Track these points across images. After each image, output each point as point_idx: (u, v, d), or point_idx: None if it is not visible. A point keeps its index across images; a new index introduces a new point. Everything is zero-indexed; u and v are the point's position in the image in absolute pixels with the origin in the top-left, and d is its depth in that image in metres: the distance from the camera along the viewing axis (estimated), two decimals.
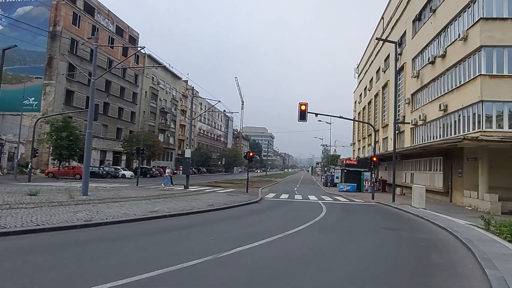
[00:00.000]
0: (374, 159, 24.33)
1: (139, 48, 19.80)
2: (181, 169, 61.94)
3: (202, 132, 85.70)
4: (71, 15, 41.04)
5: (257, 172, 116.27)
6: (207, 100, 69.78)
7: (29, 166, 28.83)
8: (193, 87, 38.33)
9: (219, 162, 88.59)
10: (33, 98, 38.90)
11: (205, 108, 78.85)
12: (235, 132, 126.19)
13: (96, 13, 46.15)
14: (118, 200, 14.64)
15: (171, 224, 10.47)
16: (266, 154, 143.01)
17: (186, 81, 73.37)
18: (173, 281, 5.20)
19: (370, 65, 47.55)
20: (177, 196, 18.75)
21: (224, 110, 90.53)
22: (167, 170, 28.80)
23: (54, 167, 35.73)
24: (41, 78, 39.02)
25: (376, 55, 43.35)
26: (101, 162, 46.54)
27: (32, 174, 28.64)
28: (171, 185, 26.53)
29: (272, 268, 6.10)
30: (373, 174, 26.84)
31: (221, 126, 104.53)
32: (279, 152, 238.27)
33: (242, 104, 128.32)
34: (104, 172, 38.35)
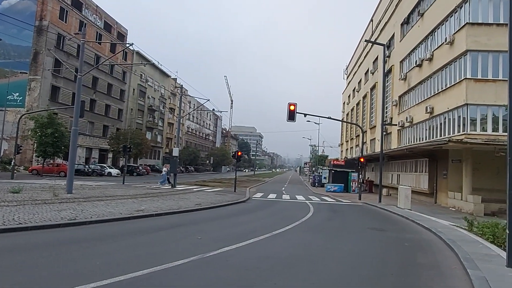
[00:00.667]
0: (362, 160, 24.58)
1: (127, 45, 19.56)
2: (169, 167, 61.71)
3: (190, 130, 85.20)
4: (58, 10, 40.25)
5: (245, 171, 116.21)
6: (196, 98, 69.48)
7: (12, 162, 28.10)
8: (182, 85, 37.93)
9: (207, 161, 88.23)
10: (17, 94, 38.03)
11: (194, 107, 78.40)
12: (224, 131, 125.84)
13: (84, 8, 45.36)
14: (103, 199, 14.41)
15: (157, 224, 10.35)
16: (254, 153, 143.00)
17: (175, 79, 72.82)
18: (158, 281, 5.14)
19: (359, 67, 48.03)
20: (164, 195, 18.57)
21: (213, 109, 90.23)
22: (164, 169, 28.25)
23: (38, 164, 34.99)
24: (26, 73, 38.19)
25: (365, 57, 43.81)
26: (87, 159, 45.80)
27: (15, 171, 27.95)
28: (167, 184, 26.39)
29: (259, 268, 6.08)
30: (360, 175, 27.11)
31: (209, 125, 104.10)
32: (267, 151, 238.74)
33: (231, 103, 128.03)
34: (90, 170, 37.74)
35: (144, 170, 48.48)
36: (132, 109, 57.57)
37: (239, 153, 27.03)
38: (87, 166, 38.89)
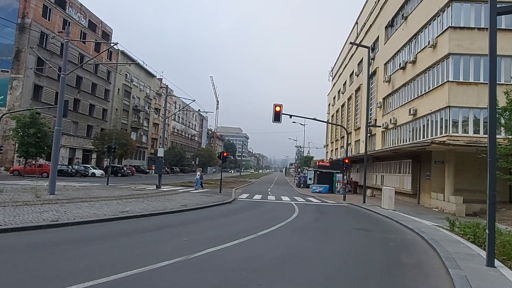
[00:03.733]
0: (346, 161, 24.87)
1: (112, 44, 19.21)
2: (154, 168, 61.02)
3: (176, 131, 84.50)
4: (41, 8, 39.37)
5: (231, 172, 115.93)
6: (181, 99, 68.91)
7: None
8: (167, 85, 37.53)
9: (193, 162, 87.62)
10: None
11: (179, 107, 77.78)
12: (210, 132, 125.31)
13: (67, 7, 44.46)
14: (87, 200, 14.14)
15: (142, 225, 10.22)
16: (240, 154, 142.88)
17: (160, 79, 72.17)
18: (142, 283, 5.07)
19: (344, 69, 48.59)
20: (149, 196, 18.35)
21: (199, 110, 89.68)
22: (197, 173, 27.80)
23: (19, 165, 34.08)
24: (8, 71, 37.18)
25: (350, 59, 44.36)
26: (70, 160, 44.86)
27: None
28: (201, 188, 26.27)
29: (244, 269, 6.07)
30: (345, 176, 27.42)
31: (195, 125, 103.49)
32: (253, 152, 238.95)
33: (217, 104, 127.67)
34: (73, 171, 36.97)
35: (129, 171, 47.87)
36: (117, 109, 56.72)
37: (225, 154, 26.95)
38: (70, 167, 38.09)
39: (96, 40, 48.82)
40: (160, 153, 25.31)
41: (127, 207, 12.70)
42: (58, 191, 16.14)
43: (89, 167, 41.04)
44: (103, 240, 7.86)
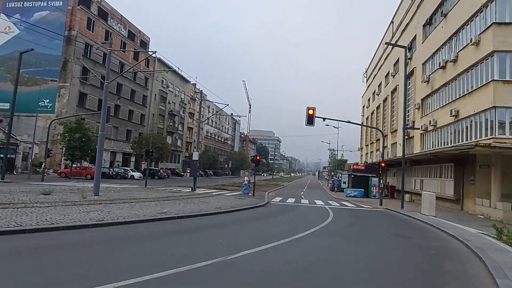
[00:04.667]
0: (382, 164, 24.17)
1: (150, 53, 19.92)
2: (188, 171, 62.52)
3: (209, 135, 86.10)
4: (86, 20, 41.87)
5: (263, 175, 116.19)
6: (214, 103, 70.23)
7: (43, 166, 29.34)
8: (201, 90, 38.37)
9: (226, 165, 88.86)
10: (47, 100, 39.68)
11: (212, 111, 79.30)
12: (242, 135, 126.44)
13: (109, 18, 46.94)
14: (128, 201, 14.82)
15: (179, 226, 10.57)
16: (273, 157, 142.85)
17: (194, 84, 73.95)
18: (183, 281, 5.28)
19: (379, 70, 47.34)
20: (185, 198, 18.88)
21: (232, 114, 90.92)
22: (245, 178, 26.84)
23: (66, 168, 36.30)
24: (56, 80, 39.77)
25: (385, 60, 43.16)
26: (111, 163, 47.07)
27: (45, 174, 29.14)
28: (249, 193, 25.28)
29: (280, 273, 6.13)
30: (381, 180, 26.66)
31: (228, 129, 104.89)
32: (285, 156, 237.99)
33: (250, 108, 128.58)
34: (114, 173, 38.77)
35: (165, 174, 49.40)
36: (153, 114, 58.85)
37: (258, 157, 27.12)
38: (111, 169, 39.97)
39: (135, 49, 51.06)
40: (195, 156, 25.95)
41: (165, 209, 13.16)
42: (101, 192, 17.04)
43: (128, 170, 42.92)
44: (144, 240, 8.23)
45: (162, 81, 60.94)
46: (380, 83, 45.05)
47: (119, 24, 49.24)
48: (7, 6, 42.40)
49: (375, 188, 30.88)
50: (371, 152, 48.81)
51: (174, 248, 7.59)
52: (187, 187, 28.34)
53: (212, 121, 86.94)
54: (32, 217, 9.20)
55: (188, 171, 61.57)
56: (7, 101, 37.37)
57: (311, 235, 10.40)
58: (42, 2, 41.96)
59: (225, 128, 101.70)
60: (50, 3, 41.74)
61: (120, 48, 47.50)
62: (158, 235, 9.03)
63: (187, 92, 71.67)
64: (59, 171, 36.63)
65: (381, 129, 36.54)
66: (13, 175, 32.73)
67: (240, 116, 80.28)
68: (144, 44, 56.23)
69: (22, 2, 42.43)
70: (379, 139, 41.31)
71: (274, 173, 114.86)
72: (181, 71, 58.07)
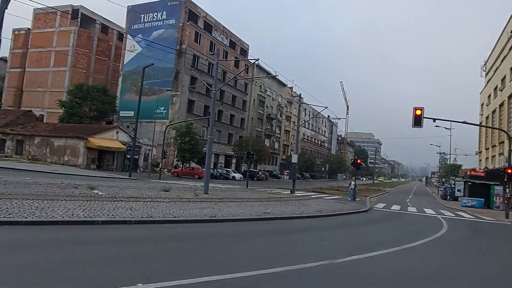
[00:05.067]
0: (509, 171, 20.88)
1: (252, 61, 20.79)
2: (286, 173, 63.63)
3: (306, 137, 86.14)
4: (194, 34, 46.39)
5: (363, 180, 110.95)
6: (311, 106, 70.03)
7: (160, 166, 33.48)
8: (300, 94, 38.48)
9: (323, 168, 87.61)
10: (163, 108, 45.10)
11: (309, 114, 79.22)
12: (339, 138, 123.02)
13: (213, 30, 51.07)
14: (234, 200, 15.94)
15: (284, 227, 10.97)
16: (373, 161, 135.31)
17: (291, 88, 75.03)
18: (291, 280, 5.53)
19: (501, 62, 40.93)
20: (285, 200, 19.36)
21: (329, 116, 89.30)
22: (352, 183, 25.44)
23: (176, 168, 40.71)
24: (170, 90, 44.96)
25: (509, 50, 37.16)
26: (215, 164, 50.95)
27: (162, 172, 33.19)
28: (349, 198, 24.16)
29: (393, 282, 5.93)
30: (507, 189, 23.03)
31: (325, 131, 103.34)
32: (387, 159, 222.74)
33: (347, 109, 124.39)
34: (217, 174, 41.88)
35: (263, 175, 51.24)
36: (252, 118, 61.69)
37: (359, 161, 26.18)
38: (215, 170, 43.30)
39: (236, 57, 54.41)
40: (294, 159, 26.39)
41: (268, 209, 13.77)
42: (210, 191, 18.66)
43: (230, 171, 45.90)
44: (253, 237, 8.83)
45: (260, 86, 63.49)
46: (504, 77, 38.91)
47: (221, 35, 53.14)
48: (132, 28, 49.59)
49: (499, 198, 26.81)
50: (493, 156, 42.48)
51: (281, 247, 7.95)
52: (285, 189, 28.96)
53: (308, 123, 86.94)
54: (158, 210, 10.66)
55: (286, 173, 62.78)
56: (131, 110, 43.72)
57: (424, 245, 9.67)
58: (159, 22, 47.91)
59: (322, 130, 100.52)
60: (165, 22, 47.39)
61: (223, 57, 51.20)
62: (265, 233, 9.55)
63: (284, 95, 73.17)
64: (172, 170, 41.21)
65: (506, 130, 31.55)
66: (136, 173, 38.02)
67: (339, 119, 78.37)
68: (244, 51, 59.45)
69: (143, 24, 49.11)
70: (502, 142, 35.73)
71: (374, 178, 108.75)
72: (277, 75, 59.61)
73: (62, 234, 7.21)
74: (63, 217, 8.12)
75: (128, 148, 37.25)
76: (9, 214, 7.71)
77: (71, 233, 7.31)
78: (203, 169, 40.82)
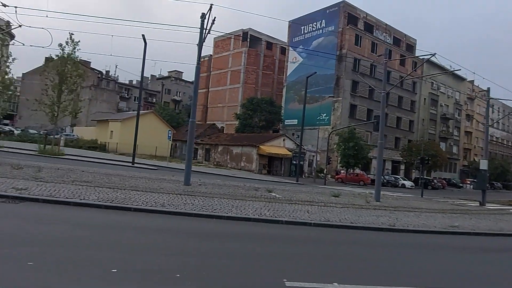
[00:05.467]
0: None
1: (427, 57, 18.08)
2: (468, 182, 54.18)
3: (494, 139, 71.24)
4: (354, 37, 45.56)
5: None
6: (500, 101, 57.41)
7: (325, 171, 34.06)
8: (488, 88, 31.82)
9: None
10: (325, 114, 45.94)
11: (498, 110, 65.31)
12: None
13: (374, 30, 48.86)
14: (411, 210, 14.57)
15: (476, 244, 9.33)
16: None
17: (471, 82, 63.81)
18: None
19: None
20: (474, 213, 16.40)
21: None
22: None
23: (337, 174, 40.51)
24: (332, 96, 45.45)
25: None
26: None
27: (326, 178, 33.68)
28: None
29: None
30: None
31: None
32: None
33: None
34: (385, 181, 39.35)
35: (439, 184, 45.14)
36: (423, 119, 55.47)
37: None
38: (382, 177, 40.84)
39: (401, 55, 50.32)
40: (483, 165, 22.19)
41: (455, 223, 11.94)
42: (381, 199, 17.67)
43: (398, 178, 42.44)
44: (442, 251, 7.84)
45: (432, 83, 56.52)
46: None
47: (384, 34, 50.21)
48: (293, 40, 52.65)
49: None
50: None
51: (477, 267, 6.75)
52: (471, 200, 24.66)
53: (498, 122, 71.77)
54: (333, 215, 10.76)
55: (468, 182, 53.70)
56: (295, 118, 46.26)
57: None
58: (318, 31, 49.21)
59: None
60: (325, 30, 48.29)
61: (386, 57, 48.17)
62: (454, 249, 8.38)
63: (463, 91, 62.84)
64: (336, 176, 41.23)
65: None
66: (302, 178, 39.71)
67: None
68: (411, 47, 54.35)
69: (303, 35, 51.44)
70: None
71: None
72: (452, 70, 51.60)
73: (253, 229, 8.21)
74: (254, 215, 9.23)
75: (294, 154, 39.46)
76: (214, 210, 9.30)
77: (260, 229, 8.23)
78: (368, 176, 39.41)
